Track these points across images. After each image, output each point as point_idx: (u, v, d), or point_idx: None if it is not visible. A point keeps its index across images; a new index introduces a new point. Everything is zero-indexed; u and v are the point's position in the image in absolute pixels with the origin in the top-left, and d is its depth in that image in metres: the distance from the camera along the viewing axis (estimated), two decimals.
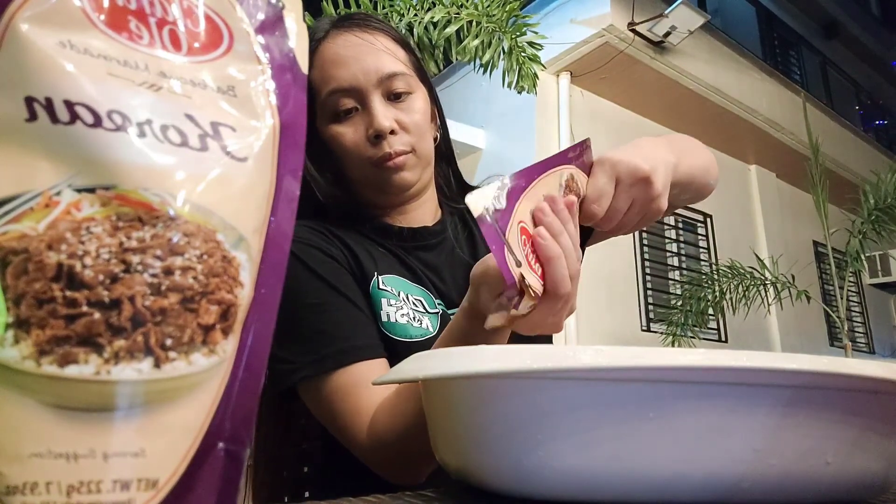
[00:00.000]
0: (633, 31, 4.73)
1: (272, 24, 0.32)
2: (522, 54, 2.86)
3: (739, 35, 6.16)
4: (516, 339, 0.60)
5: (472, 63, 2.87)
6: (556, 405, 0.34)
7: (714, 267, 5.17)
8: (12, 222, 0.23)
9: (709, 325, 5.20)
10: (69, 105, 0.25)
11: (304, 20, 0.34)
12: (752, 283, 4.54)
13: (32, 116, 0.24)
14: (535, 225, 0.49)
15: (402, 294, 0.72)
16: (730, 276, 4.56)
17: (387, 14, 2.74)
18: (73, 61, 0.25)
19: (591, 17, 4.70)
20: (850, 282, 5.77)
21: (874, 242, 4.76)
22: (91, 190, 0.24)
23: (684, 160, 0.66)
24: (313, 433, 0.75)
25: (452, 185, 0.87)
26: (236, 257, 0.27)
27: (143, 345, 0.24)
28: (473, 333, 0.55)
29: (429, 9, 2.77)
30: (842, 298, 4.57)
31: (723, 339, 5.56)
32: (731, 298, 4.54)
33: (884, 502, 0.39)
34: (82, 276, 0.23)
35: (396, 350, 0.68)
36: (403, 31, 2.69)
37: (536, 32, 2.94)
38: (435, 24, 2.76)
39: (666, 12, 4.70)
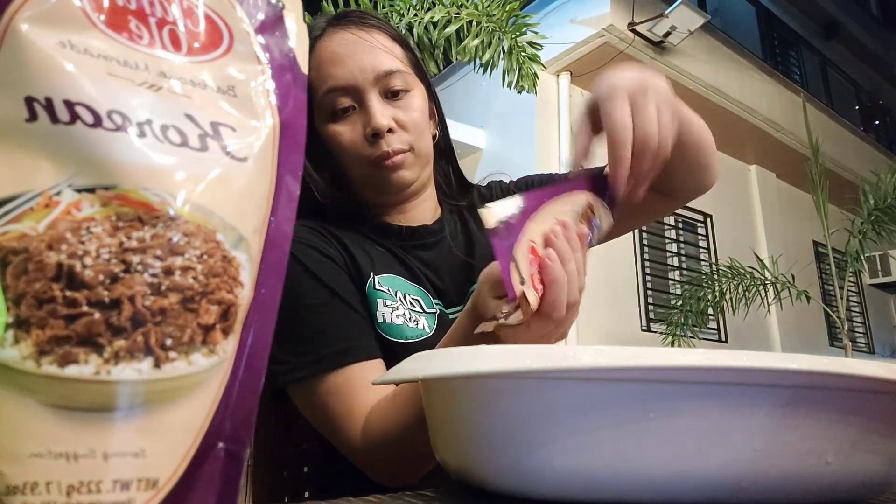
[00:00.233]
0: (633, 31, 4.73)
1: (272, 24, 0.32)
2: (522, 54, 2.86)
3: (739, 35, 6.16)
4: None
5: (472, 63, 2.87)
6: (556, 405, 0.34)
7: (714, 267, 5.17)
8: (12, 222, 0.23)
9: (709, 325, 5.20)
10: (69, 105, 0.25)
11: (304, 20, 0.34)
12: (752, 283, 4.54)
13: (32, 116, 0.24)
14: (546, 247, 0.50)
15: (398, 294, 0.72)
16: (730, 276, 4.56)
17: (387, 14, 2.74)
18: (73, 61, 0.25)
19: (591, 17, 4.70)
20: (850, 282, 5.76)
21: (874, 242, 4.76)
22: (91, 190, 0.24)
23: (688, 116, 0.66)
24: (313, 433, 0.75)
25: (452, 183, 0.87)
26: (236, 257, 0.27)
27: (143, 345, 0.24)
28: (476, 337, 0.55)
29: (429, 9, 2.77)
30: (842, 298, 4.57)
31: (723, 339, 5.56)
32: (730, 298, 4.53)
33: (884, 502, 0.39)
34: (82, 276, 0.23)
35: (392, 351, 0.68)
36: (403, 31, 2.69)
37: (536, 32, 2.94)
38: (435, 24, 2.76)
39: (666, 12, 4.70)
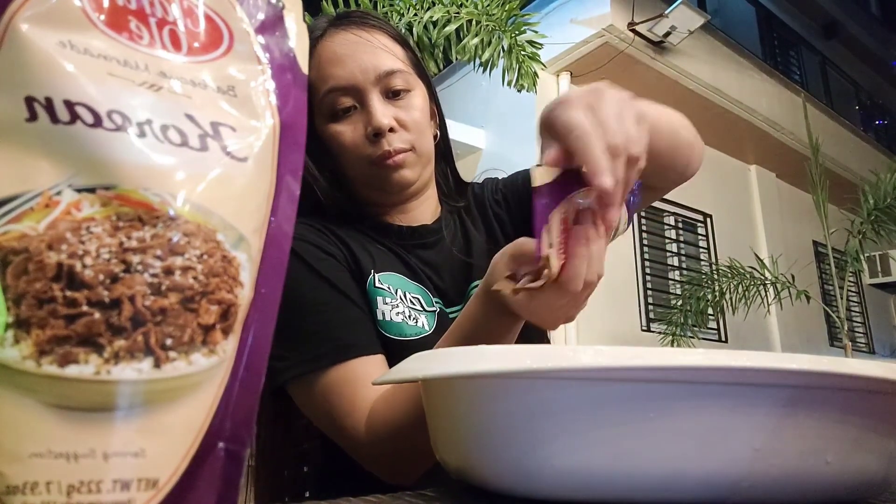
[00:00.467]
0: (633, 31, 4.73)
1: (272, 24, 0.32)
2: (522, 53, 2.86)
3: (739, 35, 6.16)
4: (518, 339, 0.60)
5: (472, 62, 2.87)
6: (557, 405, 0.34)
7: (714, 267, 5.17)
8: (12, 222, 0.23)
9: (709, 325, 5.20)
10: (69, 105, 0.25)
11: (304, 20, 0.34)
12: (752, 283, 4.54)
13: (33, 116, 0.24)
14: (576, 223, 0.51)
15: (399, 292, 0.72)
16: (729, 276, 4.56)
17: (386, 13, 2.74)
18: (73, 61, 0.25)
19: (591, 17, 4.70)
20: (850, 282, 5.77)
21: (874, 242, 4.76)
22: (91, 190, 0.24)
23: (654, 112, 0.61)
24: (313, 433, 0.75)
25: (451, 184, 0.87)
26: (236, 257, 0.27)
27: (143, 345, 0.24)
28: (486, 316, 0.56)
29: (428, 8, 2.77)
30: (842, 298, 4.57)
31: (723, 339, 5.56)
32: (730, 298, 4.53)
33: (884, 502, 0.39)
34: (82, 275, 0.23)
35: (391, 349, 0.68)
36: (403, 31, 2.69)
37: (536, 31, 2.94)
38: (434, 24, 2.76)
39: (666, 12, 4.70)
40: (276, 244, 0.29)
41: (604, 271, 0.52)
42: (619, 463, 0.34)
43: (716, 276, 4.67)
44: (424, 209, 0.81)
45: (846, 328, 4.65)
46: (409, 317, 0.71)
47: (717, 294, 4.54)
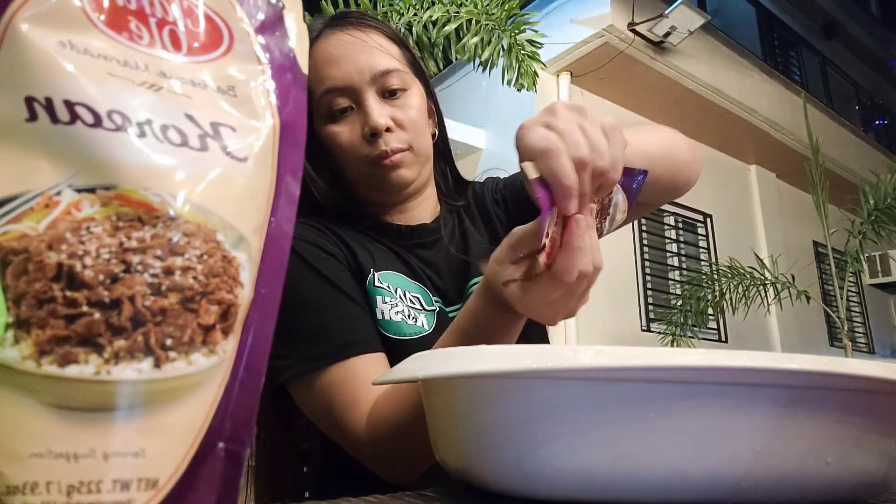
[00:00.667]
0: (633, 31, 4.73)
1: (272, 24, 0.32)
2: (522, 52, 2.86)
3: (739, 35, 6.16)
4: (518, 339, 0.60)
5: (472, 61, 2.87)
6: (557, 405, 0.34)
7: (714, 267, 5.17)
8: (12, 222, 0.23)
9: (709, 325, 5.20)
10: (69, 105, 0.25)
11: (304, 20, 0.34)
12: (752, 283, 4.54)
13: (32, 116, 0.24)
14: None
15: (398, 291, 0.72)
16: (729, 276, 4.56)
17: (386, 13, 2.74)
18: (73, 61, 0.25)
19: (591, 17, 4.70)
20: (850, 282, 5.77)
21: (874, 243, 4.75)
22: (91, 190, 0.24)
23: (635, 136, 0.61)
24: (313, 433, 0.75)
25: (450, 183, 0.87)
26: (236, 257, 0.27)
27: (143, 345, 0.24)
28: (486, 313, 0.56)
29: (428, 7, 2.77)
30: (842, 298, 4.57)
31: (723, 339, 5.56)
32: (730, 298, 4.53)
33: (884, 502, 0.39)
34: (82, 276, 0.23)
35: (391, 348, 0.68)
36: (402, 31, 2.69)
37: (536, 31, 2.94)
38: (434, 23, 2.76)
39: (666, 12, 4.70)
40: (276, 244, 0.29)
41: (602, 263, 0.51)
42: (619, 463, 0.34)
43: (716, 277, 4.66)
44: (424, 208, 0.81)
45: (846, 328, 4.65)
46: (409, 316, 0.71)
47: (717, 294, 4.54)
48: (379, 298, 0.71)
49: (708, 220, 5.93)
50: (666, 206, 5.52)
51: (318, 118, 0.74)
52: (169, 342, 0.24)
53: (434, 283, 0.76)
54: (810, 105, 5.39)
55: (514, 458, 0.35)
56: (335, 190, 0.77)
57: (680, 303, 4.73)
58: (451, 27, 2.74)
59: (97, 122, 0.25)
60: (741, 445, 0.34)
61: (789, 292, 4.55)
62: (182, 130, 0.27)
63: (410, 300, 0.73)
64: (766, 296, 4.58)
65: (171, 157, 0.26)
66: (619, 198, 0.55)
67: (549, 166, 0.47)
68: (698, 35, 5.06)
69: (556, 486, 0.35)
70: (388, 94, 0.73)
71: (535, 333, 0.75)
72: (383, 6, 2.77)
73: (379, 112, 0.71)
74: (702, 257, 5.84)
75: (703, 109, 5.43)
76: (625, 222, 0.60)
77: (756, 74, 6.01)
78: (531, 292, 0.51)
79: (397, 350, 0.68)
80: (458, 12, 2.77)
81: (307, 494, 0.80)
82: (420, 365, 0.37)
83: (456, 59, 2.88)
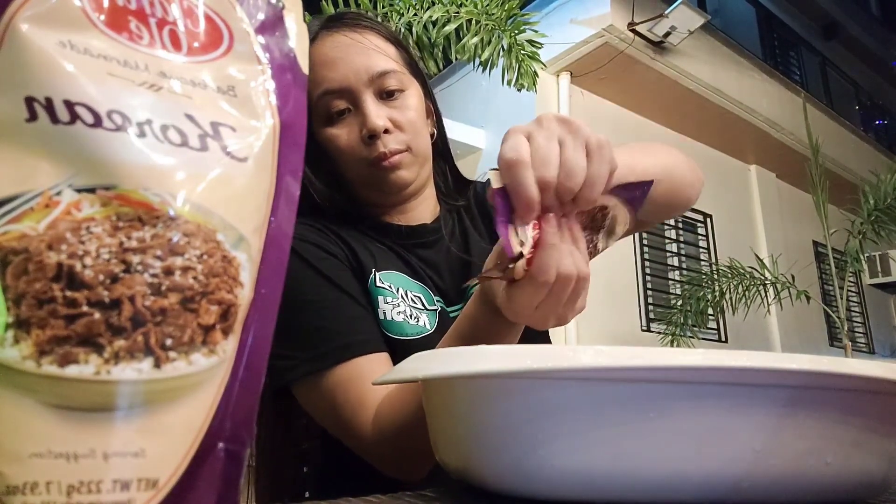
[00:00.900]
0: (633, 31, 4.73)
1: (272, 24, 0.32)
2: (522, 52, 2.86)
3: (739, 35, 6.16)
4: (521, 339, 0.60)
5: (472, 61, 2.87)
6: (556, 405, 0.34)
7: (714, 267, 5.17)
8: (12, 222, 0.23)
9: (708, 325, 5.20)
10: (69, 105, 0.25)
11: (304, 20, 0.34)
12: (752, 283, 4.54)
13: (32, 116, 0.24)
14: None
15: (400, 291, 0.72)
16: (729, 276, 4.56)
17: (386, 13, 2.74)
18: (73, 61, 0.25)
19: (591, 17, 4.70)
20: (850, 282, 5.77)
21: (874, 243, 4.75)
22: (91, 190, 0.24)
23: (632, 156, 0.61)
24: (313, 433, 0.75)
25: (450, 182, 0.87)
26: (236, 257, 0.27)
27: (143, 345, 0.24)
28: (484, 317, 0.56)
29: (428, 7, 2.77)
30: (842, 298, 4.57)
31: (723, 339, 5.56)
32: (730, 298, 4.53)
33: (884, 502, 0.39)
34: (82, 276, 0.23)
35: (393, 348, 0.68)
36: (402, 31, 2.69)
37: (536, 31, 2.94)
38: (434, 23, 2.76)
39: (666, 12, 4.70)
40: (276, 244, 0.29)
41: (588, 272, 0.50)
42: (619, 463, 0.34)
43: (716, 277, 4.66)
44: (424, 208, 0.81)
45: (846, 328, 4.65)
46: (411, 316, 0.71)
47: (717, 294, 4.54)
48: (381, 298, 0.71)
49: (708, 220, 5.93)
50: None
51: (317, 121, 0.73)
52: (169, 342, 0.24)
53: (435, 282, 0.77)
54: (810, 105, 5.39)
55: (514, 458, 0.35)
56: (334, 191, 0.77)
57: (680, 303, 4.73)
58: (450, 27, 2.74)
59: (97, 122, 0.25)
60: (741, 445, 0.34)
61: (789, 292, 4.55)
62: (182, 130, 0.27)
63: (412, 300, 0.73)
64: (765, 296, 4.58)
65: (171, 157, 0.26)
66: (619, 211, 0.55)
67: (512, 178, 0.46)
68: (698, 35, 5.06)
69: (556, 486, 0.35)
70: (386, 96, 0.73)
71: (536, 333, 0.75)
72: (383, 6, 2.77)
73: (377, 114, 0.71)
74: (702, 257, 5.84)
75: (703, 109, 5.43)
76: (624, 235, 0.59)
77: (756, 74, 6.01)
78: (515, 297, 0.50)
79: (399, 350, 0.68)
80: (458, 12, 2.77)
81: (307, 494, 0.80)
82: (420, 365, 0.37)
83: (456, 59, 2.88)
